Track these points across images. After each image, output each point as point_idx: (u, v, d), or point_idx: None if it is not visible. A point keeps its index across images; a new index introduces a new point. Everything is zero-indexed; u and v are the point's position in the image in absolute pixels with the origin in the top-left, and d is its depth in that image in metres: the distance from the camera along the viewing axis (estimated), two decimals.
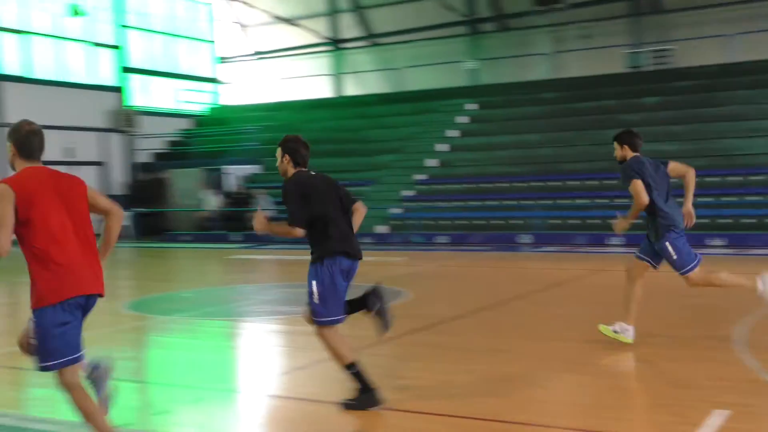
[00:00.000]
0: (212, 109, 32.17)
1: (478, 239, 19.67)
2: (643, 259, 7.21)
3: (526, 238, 19.16)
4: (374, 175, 23.70)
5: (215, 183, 25.62)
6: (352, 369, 5.47)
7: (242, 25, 34.53)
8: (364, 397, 5.47)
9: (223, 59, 33.30)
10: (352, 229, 5.58)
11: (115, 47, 28.53)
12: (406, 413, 5.51)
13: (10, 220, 4.19)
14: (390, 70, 30.59)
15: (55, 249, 4.27)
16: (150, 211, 26.41)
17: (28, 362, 7.17)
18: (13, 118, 24.75)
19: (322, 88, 32.14)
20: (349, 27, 32.43)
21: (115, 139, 28.07)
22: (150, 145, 28.66)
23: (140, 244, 23.25)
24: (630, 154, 7.18)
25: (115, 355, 7.75)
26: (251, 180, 25.80)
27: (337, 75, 32.33)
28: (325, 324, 5.43)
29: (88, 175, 26.94)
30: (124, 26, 28.76)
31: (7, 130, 4.51)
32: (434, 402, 5.72)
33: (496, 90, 25.88)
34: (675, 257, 6.97)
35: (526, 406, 5.62)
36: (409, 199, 22.41)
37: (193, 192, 25.62)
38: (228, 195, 25.31)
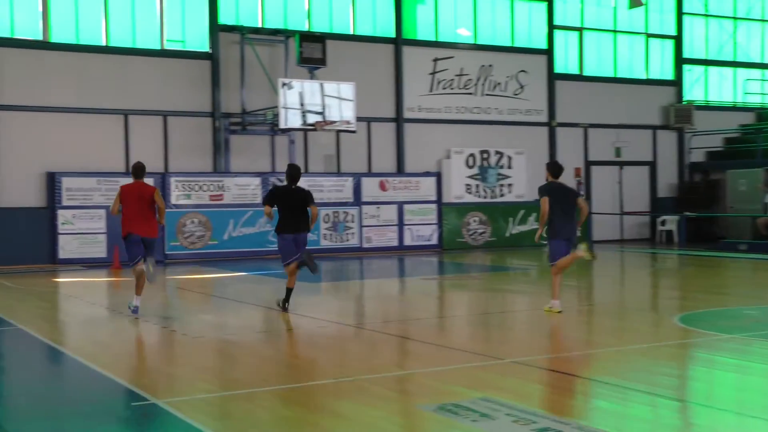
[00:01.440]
0: None
1: None
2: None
3: None
4: None
5: None
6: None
7: None
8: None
9: None
10: (299, 218, 11.54)
11: (674, 37, 28.56)
12: None
13: (117, 203, 11.42)
14: None
15: (132, 215, 11.34)
16: (699, 216, 25.93)
17: (583, 370, 7.59)
18: (566, 116, 26.43)
19: None
20: None
21: (665, 137, 28.16)
22: (704, 143, 28.15)
23: (687, 251, 22.96)
24: (550, 178, 11.39)
25: (659, 370, 7.83)
26: None
27: None
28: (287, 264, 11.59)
29: (634, 175, 27.54)
30: (684, 13, 28.62)
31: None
32: None
33: None
34: (547, 252, 11.54)
35: None
36: None
37: (752, 195, 24.46)
38: None
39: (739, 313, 11.10)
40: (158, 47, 21.85)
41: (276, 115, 21.10)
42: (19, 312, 12.48)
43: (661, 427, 6.09)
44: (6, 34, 20.33)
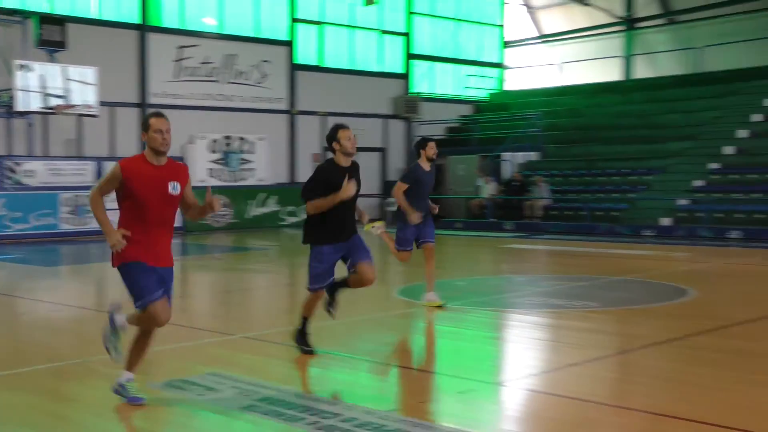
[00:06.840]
0: (493, 94, 32.41)
1: None
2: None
3: None
4: (662, 163, 22.67)
5: (492, 170, 25.80)
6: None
7: (529, 8, 34.25)
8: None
9: (506, 43, 33.35)
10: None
11: (404, 34, 29.64)
12: (678, 420, 5.22)
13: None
14: (687, 50, 28.80)
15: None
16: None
17: (313, 342, 7.65)
18: (306, 105, 26.68)
19: (609, 71, 31.08)
20: (645, 5, 30.96)
21: (396, 125, 29.24)
22: (430, 131, 29.47)
23: None
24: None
25: (383, 339, 8.13)
26: (529, 167, 25.67)
27: (628, 57, 31.04)
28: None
29: (369, 161, 28.29)
30: (412, 13, 29.78)
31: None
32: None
33: None
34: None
35: None
36: (699, 190, 21.15)
37: (469, 179, 26.01)
38: (503, 182, 25.40)
39: (450, 285, 11.68)
40: None
41: (12, 98, 19.69)
42: None
43: (391, 394, 6.32)
44: None
